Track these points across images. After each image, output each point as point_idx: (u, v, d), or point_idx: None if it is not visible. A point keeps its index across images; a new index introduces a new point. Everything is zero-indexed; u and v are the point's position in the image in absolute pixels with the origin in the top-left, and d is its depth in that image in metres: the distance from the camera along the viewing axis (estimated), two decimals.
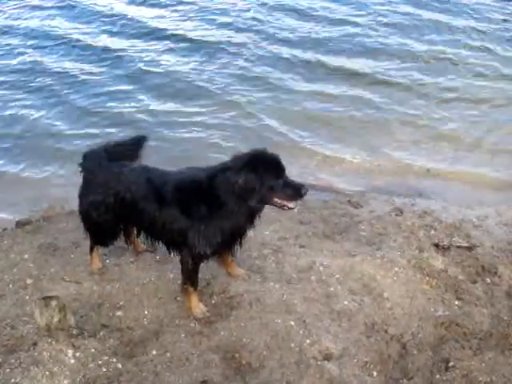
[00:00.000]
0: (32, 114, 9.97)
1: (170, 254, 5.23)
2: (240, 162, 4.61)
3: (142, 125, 9.55)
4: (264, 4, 14.52)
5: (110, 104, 10.34)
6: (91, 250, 5.64)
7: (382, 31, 13.00)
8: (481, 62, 11.60)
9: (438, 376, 4.51)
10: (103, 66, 11.81)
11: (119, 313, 5.13)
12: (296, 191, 4.58)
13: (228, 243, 4.97)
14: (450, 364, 4.60)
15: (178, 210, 4.77)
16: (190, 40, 12.80)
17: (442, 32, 12.93)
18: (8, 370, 4.36)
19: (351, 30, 13.09)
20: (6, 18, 14.53)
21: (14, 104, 10.39)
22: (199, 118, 9.77)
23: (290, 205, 4.66)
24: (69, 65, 11.88)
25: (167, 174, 5.03)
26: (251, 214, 4.74)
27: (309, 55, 11.97)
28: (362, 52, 12.16)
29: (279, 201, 4.63)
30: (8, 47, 12.85)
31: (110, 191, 5.02)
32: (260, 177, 4.50)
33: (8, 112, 10.14)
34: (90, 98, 10.56)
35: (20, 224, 6.86)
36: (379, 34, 12.87)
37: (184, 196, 4.78)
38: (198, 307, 5.04)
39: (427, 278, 5.58)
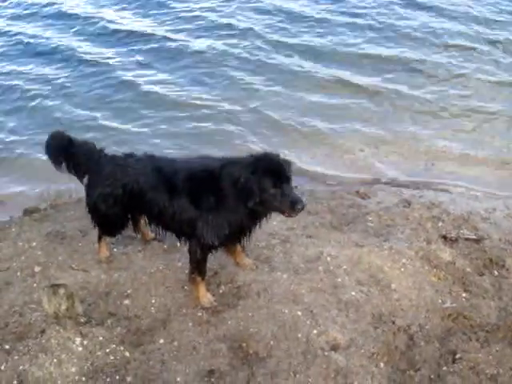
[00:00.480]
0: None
1: (179, 242, 5.24)
2: (246, 161, 4.56)
3: (121, 136, 9.25)
4: (254, 8, 14.12)
5: (87, 114, 10.01)
6: (99, 239, 5.64)
7: (375, 37, 12.59)
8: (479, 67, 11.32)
9: (445, 368, 4.52)
10: (81, 73, 11.45)
11: (127, 301, 5.14)
12: (291, 205, 4.41)
13: (236, 236, 4.94)
14: (457, 356, 4.61)
15: (188, 200, 4.75)
16: (175, 46, 12.43)
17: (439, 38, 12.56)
18: (16, 357, 4.41)
19: (343, 35, 12.67)
20: None
21: None
22: (177, 129, 9.50)
23: (292, 216, 4.57)
24: (43, 71, 11.60)
25: (177, 162, 5.01)
26: (256, 214, 4.68)
27: (304, 64, 11.59)
28: (354, 59, 11.75)
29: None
30: None
31: (118, 183, 4.99)
32: (258, 180, 4.40)
33: None
34: (67, 106, 10.25)
35: (27, 212, 6.88)
36: (372, 40, 12.48)
37: (194, 186, 4.75)
38: (205, 297, 5.05)
39: (435, 270, 5.58)
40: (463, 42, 12.30)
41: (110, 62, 11.83)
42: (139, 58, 12.00)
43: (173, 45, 12.42)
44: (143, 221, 5.62)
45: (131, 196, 4.98)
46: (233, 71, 11.29)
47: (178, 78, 11.14)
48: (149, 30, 13.15)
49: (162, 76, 11.26)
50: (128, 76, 11.20)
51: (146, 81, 11.05)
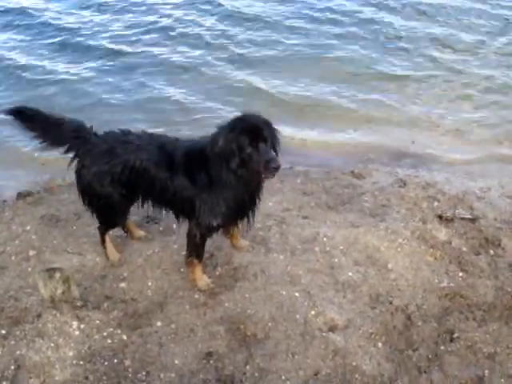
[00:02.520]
0: None
1: (178, 223, 5.15)
2: (225, 124, 4.48)
3: None
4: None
5: None
6: (103, 240, 5.37)
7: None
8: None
9: (442, 347, 4.54)
10: None
11: (123, 284, 5.11)
12: (265, 164, 4.26)
13: (235, 213, 4.82)
14: (455, 335, 4.63)
15: (186, 178, 4.64)
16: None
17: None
18: (13, 342, 4.38)
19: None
20: None
21: None
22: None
23: (268, 177, 4.42)
24: None
25: (178, 140, 4.87)
26: (247, 182, 4.56)
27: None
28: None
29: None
30: None
31: (118, 160, 4.76)
32: (236, 139, 4.31)
33: None
34: None
35: (21, 196, 6.80)
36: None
37: (190, 162, 4.64)
38: (202, 279, 5.03)
39: (431, 250, 5.59)
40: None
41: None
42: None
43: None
44: (131, 218, 5.53)
45: (132, 173, 4.77)
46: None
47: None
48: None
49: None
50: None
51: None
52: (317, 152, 8.17)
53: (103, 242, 5.38)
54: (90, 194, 5.04)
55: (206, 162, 4.53)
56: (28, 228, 5.94)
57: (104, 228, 5.34)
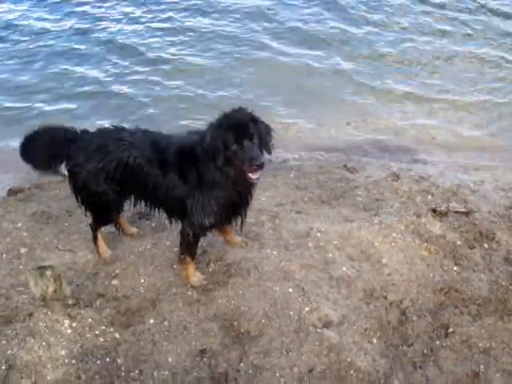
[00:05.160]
0: None
1: (170, 223, 5.10)
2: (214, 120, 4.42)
3: None
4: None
5: None
6: (95, 237, 5.32)
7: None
8: None
9: (437, 342, 4.52)
10: None
11: (115, 281, 5.06)
12: (249, 162, 4.21)
13: (227, 212, 4.76)
14: (450, 330, 4.61)
15: (177, 176, 4.59)
16: None
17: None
18: (4, 342, 4.33)
19: None
20: None
21: None
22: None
23: (252, 175, 4.32)
24: None
25: (172, 137, 4.80)
26: (235, 181, 4.49)
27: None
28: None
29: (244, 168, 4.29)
30: None
31: (112, 156, 4.71)
32: (221, 136, 4.26)
33: None
34: None
35: (12, 192, 6.75)
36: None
37: (182, 160, 4.59)
38: (194, 276, 4.98)
39: (425, 244, 5.55)
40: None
41: None
42: None
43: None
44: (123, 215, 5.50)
45: (126, 171, 4.72)
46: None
47: None
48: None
49: None
50: None
51: None
52: (310, 146, 8.14)
53: (95, 238, 5.33)
54: (84, 192, 4.99)
55: (197, 159, 4.49)
56: (19, 225, 5.89)
57: (96, 225, 5.29)
